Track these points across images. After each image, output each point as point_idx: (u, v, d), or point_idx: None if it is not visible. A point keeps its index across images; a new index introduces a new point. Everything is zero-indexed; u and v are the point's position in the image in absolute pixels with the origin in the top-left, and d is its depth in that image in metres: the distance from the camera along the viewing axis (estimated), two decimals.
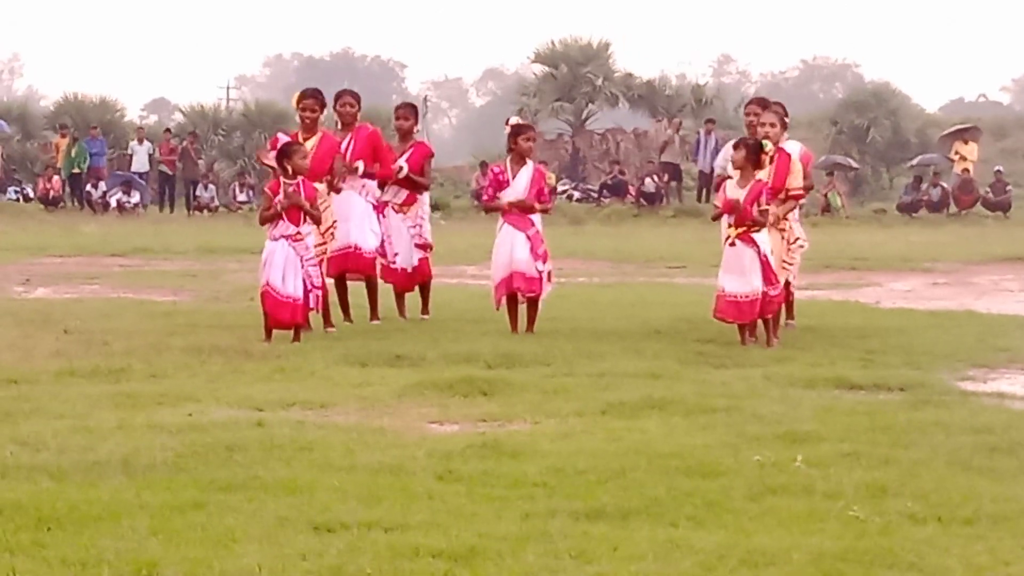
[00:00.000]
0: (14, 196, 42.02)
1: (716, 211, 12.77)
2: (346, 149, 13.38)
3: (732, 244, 12.22)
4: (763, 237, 12.19)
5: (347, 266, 13.45)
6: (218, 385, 9.75)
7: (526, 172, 13.03)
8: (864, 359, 11.36)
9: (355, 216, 13.40)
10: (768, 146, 12.32)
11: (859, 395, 9.69)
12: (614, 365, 10.72)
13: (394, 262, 13.93)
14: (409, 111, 14.40)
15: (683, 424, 8.38)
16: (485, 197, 13.62)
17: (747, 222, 12.09)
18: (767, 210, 12.17)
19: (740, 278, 12.13)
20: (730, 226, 12.26)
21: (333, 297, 13.50)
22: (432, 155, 14.44)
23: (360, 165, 13.41)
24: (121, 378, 10.05)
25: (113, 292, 17.38)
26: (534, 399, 9.26)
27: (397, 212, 14.00)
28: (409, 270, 14.08)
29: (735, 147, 12.34)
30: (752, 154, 12.20)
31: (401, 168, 13.81)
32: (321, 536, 5.81)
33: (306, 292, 12.16)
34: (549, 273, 13.01)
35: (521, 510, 6.20)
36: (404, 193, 14.03)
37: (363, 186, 13.46)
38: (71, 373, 10.20)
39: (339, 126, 13.61)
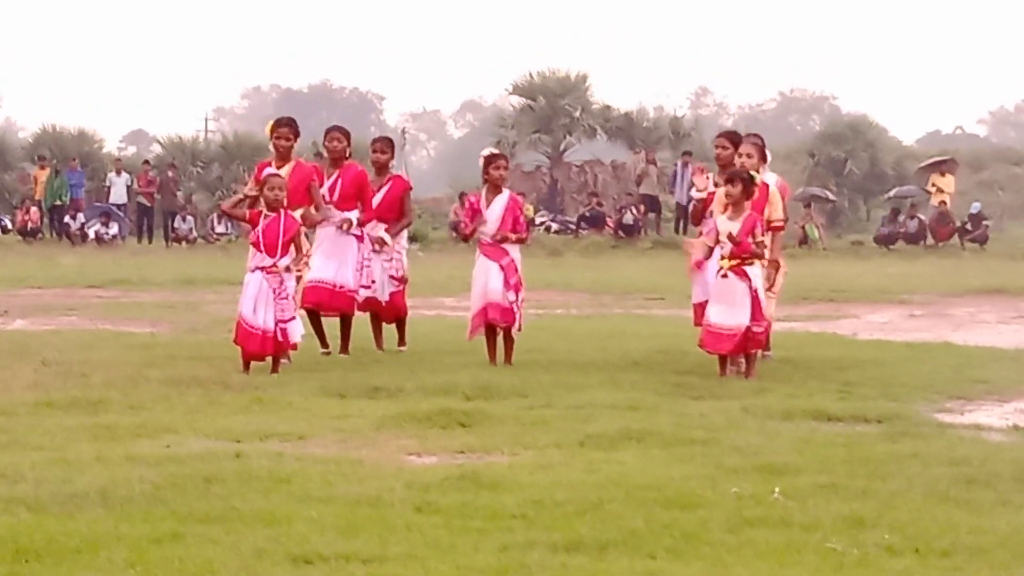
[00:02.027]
0: None
1: (704, 248, 12.66)
2: (332, 186, 13.39)
3: (724, 276, 12.22)
4: (755, 271, 12.20)
5: (325, 301, 13.43)
6: (196, 417, 9.73)
7: (500, 201, 13.05)
8: (842, 391, 11.38)
9: (346, 255, 13.42)
10: (758, 178, 12.38)
11: (837, 427, 9.70)
12: (592, 397, 10.72)
13: (369, 287, 13.80)
14: (386, 144, 14.41)
15: (661, 456, 8.39)
16: (462, 225, 13.58)
17: (743, 255, 12.11)
18: (763, 241, 12.21)
19: (728, 310, 12.11)
20: (723, 257, 12.26)
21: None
22: (410, 188, 14.43)
23: (353, 219, 13.42)
24: (99, 410, 10.02)
25: (91, 324, 17.34)
26: (512, 431, 9.26)
27: (377, 252, 13.97)
28: (382, 303, 14.02)
29: (730, 181, 12.26)
30: (748, 187, 12.24)
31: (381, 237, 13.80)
32: (299, 568, 5.80)
33: (276, 325, 12.14)
34: (519, 304, 13.00)
35: (499, 542, 6.20)
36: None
37: (349, 225, 13.47)
38: (49, 405, 10.16)
39: (323, 159, 13.61)
